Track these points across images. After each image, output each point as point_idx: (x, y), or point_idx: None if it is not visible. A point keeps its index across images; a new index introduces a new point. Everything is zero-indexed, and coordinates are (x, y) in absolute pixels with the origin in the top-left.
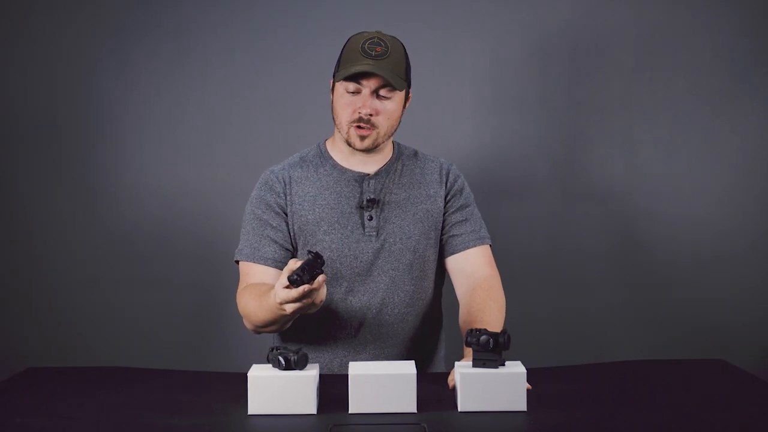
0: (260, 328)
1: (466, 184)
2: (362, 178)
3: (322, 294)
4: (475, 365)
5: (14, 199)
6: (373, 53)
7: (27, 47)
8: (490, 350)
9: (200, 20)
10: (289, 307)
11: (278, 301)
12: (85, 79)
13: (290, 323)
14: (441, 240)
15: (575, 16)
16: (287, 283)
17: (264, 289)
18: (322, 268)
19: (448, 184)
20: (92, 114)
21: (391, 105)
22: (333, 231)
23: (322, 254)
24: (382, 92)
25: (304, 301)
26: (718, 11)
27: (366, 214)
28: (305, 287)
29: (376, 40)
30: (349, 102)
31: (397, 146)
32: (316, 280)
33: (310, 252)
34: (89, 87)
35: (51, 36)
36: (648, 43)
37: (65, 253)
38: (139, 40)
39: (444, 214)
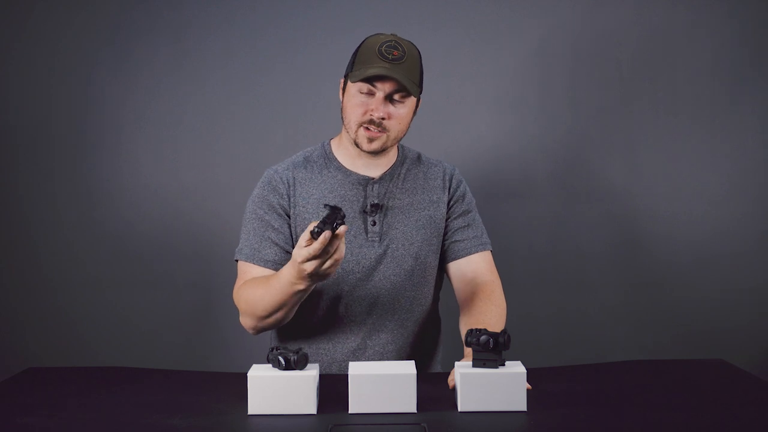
0: (263, 320)
1: (468, 189)
2: (366, 181)
3: (342, 250)
4: (475, 365)
5: (14, 199)
6: (390, 57)
7: (26, 47)
8: (490, 350)
9: (200, 20)
10: (309, 266)
11: (299, 260)
12: (85, 79)
13: (295, 309)
14: (443, 245)
15: (575, 16)
16: (306, 242)
17: (269, 277)
18: (344, 221)
19: (451, 190)
20: (91, 114)
21: (404, 110)
22: None
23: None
24: (396, 97)
25: (325, 258)
26: (718, 12)
27: (369, 219)
28: (327, 233)
29: (393, 43)
30: (360, 103)
31: (401, 149)
32: (338, 230)
33: (326, 206)
34: (89, 87)
35: (50, 36)
36: (648, 43)
37: (65, 254)
38: (138, 40)
39: (446, 219)
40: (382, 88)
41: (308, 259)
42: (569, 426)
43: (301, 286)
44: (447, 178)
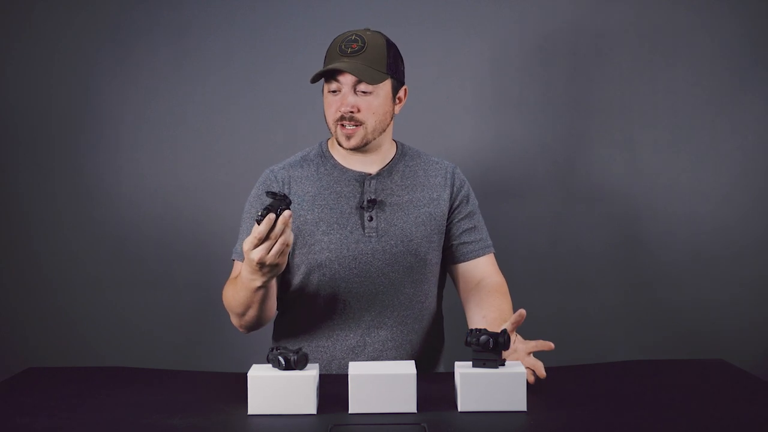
0: (242, 318)
1: (471, 189)
2: (363, 178)
3: (288, 235)
4: (475, 365)
5: (14, 198)
6: (349, 50)
7: (26, 47)
8: (490, 350)
9: (200, 20)
10: (256, 253)
11: (245, 247)
12: (85, 79)
13: (267, 308)
14: (450, 247)
15: (575, 16)
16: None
17: (237, 276)
18: (288, 207)
19: (455, 190)
20: (91, 114)
21: (375, 100)
22: (332, 231)
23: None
24: (361, 87)
25: (271, 244)
26: (718, 11)
27: (366, 215)
28: (271, 216)
29: (353, 37)
30: (331, 101)
31: (400, 146)
32: (282, 214)
33: (268, 192)
34: (88, 87)
35: (50, 36)
36: (648, 43)
37: (65, 254)
38: (139, 40)
39: (451, 220)
40: (345, 82)
41: (254, 246)
42: (569, 426)
43: (258, 282)
44: (449, 176)
